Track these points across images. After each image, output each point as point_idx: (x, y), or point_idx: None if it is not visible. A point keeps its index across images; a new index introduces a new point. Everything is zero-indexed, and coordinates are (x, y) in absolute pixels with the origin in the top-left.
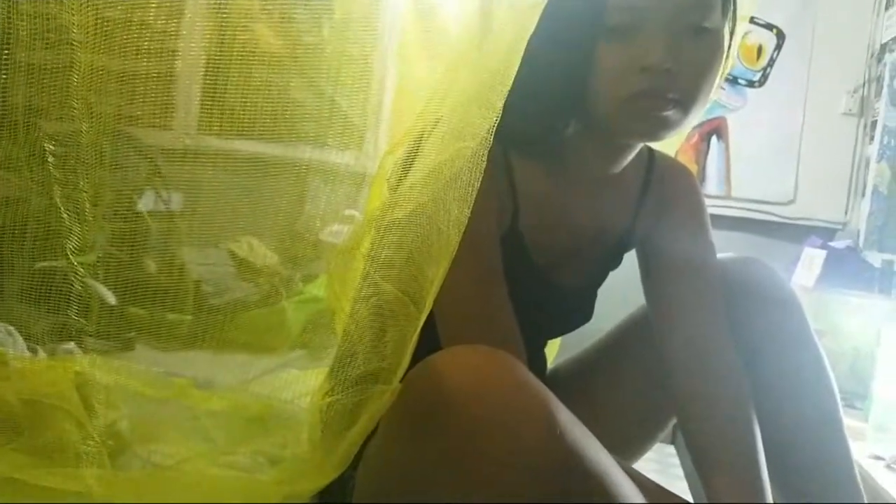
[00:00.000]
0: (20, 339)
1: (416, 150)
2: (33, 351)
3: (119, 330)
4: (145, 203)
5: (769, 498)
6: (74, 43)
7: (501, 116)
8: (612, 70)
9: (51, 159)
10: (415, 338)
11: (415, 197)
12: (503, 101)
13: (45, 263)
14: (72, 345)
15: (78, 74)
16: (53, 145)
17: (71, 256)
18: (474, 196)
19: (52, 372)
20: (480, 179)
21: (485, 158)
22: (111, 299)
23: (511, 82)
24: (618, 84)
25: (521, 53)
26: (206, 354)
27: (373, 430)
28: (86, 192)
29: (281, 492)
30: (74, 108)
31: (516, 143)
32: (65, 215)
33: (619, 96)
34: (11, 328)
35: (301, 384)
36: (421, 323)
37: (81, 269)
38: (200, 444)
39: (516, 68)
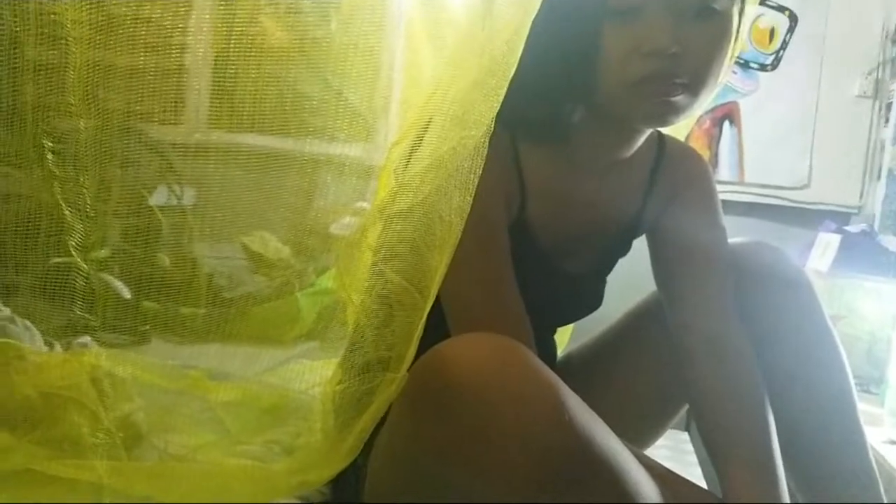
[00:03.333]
0: (37, 334)
1: (421, 139)
2: (50, 345)
3: (134, 324)
4: (158, 198)
5: (784, 487)
6: (69, 38)
7: (508, 103)
8: (617, 54)
9: (50, 156)
10: (421, 325)
11: (417, 186)
12: (505, 87)
13: (59, 259)
14: (87, 339)
15: (74, 70)
16: (52, 142)
17: (74, 252)
18: (476, 183)
19: (68, 365)
20: (482, 167)
21: (486, 145)
22: (126, 294)
23: (514, 67)
24: (624, 68)
25: (524, 37)
26: (220, 347)
27: (383, 418)
28: (87, 188)
29: (293, 481)
30: (72, 104)
31: (523, 130)
32: (66, 211)
33: (626, 81)
34: (29, 323)
35: (314, 375)
36: (426, 311)
37: (85, 265)
38: (215, 434)
39: (519, 52)
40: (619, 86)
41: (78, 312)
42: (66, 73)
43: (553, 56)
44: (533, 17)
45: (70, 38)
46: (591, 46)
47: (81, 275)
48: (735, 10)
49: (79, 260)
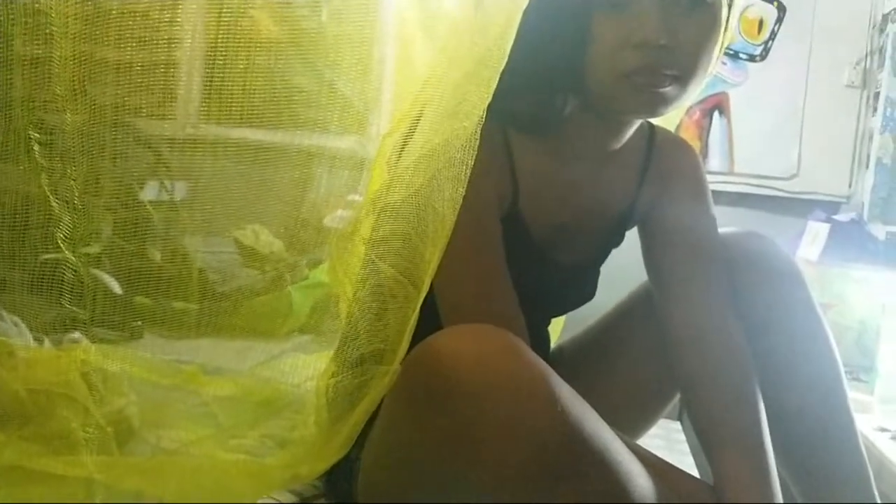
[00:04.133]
0: (26, 330)
1: (414, 130)
2: (39, 341)
3: (126, 319)
4: (149, 193)
5: (774, 473)
6: (54, 30)
7: (500, 94)
8: (607, 45)
9: (37, 147)
10: (414, 318)
11: (410, 178)
12: (497, 78)
13: (50, 255)
14: (78, 334)
15: (60, 63)
16: (39, 134)
17: (62, 245)
18: (468, 175)
19: (59, 361)
20: (474, 158)
21: (478, 137)
22: (117, 289)
23: (505, 58)
24: (613, 60)
25: (515, 28)
26: (213, 341)
27: (376, 411)
28: (75, 180)
29: (286, 475)
30: (58, 95)
31: (515, 122)
32: (54, 204)
33: (615, 72)
34: (17, 319)
35: (308, 368)
36: (419, 303)
37: (73, 258)
38: (208, 428)
39: (510, 43)
40: (608, 77)
41: (67, 306)
42: (52, 65)
43: (544, 47)
44: (524, 7)
45: (55, 30)
46: (582, 37)
47: (70, 267)
48: (724, 1)
49: (67, 253)
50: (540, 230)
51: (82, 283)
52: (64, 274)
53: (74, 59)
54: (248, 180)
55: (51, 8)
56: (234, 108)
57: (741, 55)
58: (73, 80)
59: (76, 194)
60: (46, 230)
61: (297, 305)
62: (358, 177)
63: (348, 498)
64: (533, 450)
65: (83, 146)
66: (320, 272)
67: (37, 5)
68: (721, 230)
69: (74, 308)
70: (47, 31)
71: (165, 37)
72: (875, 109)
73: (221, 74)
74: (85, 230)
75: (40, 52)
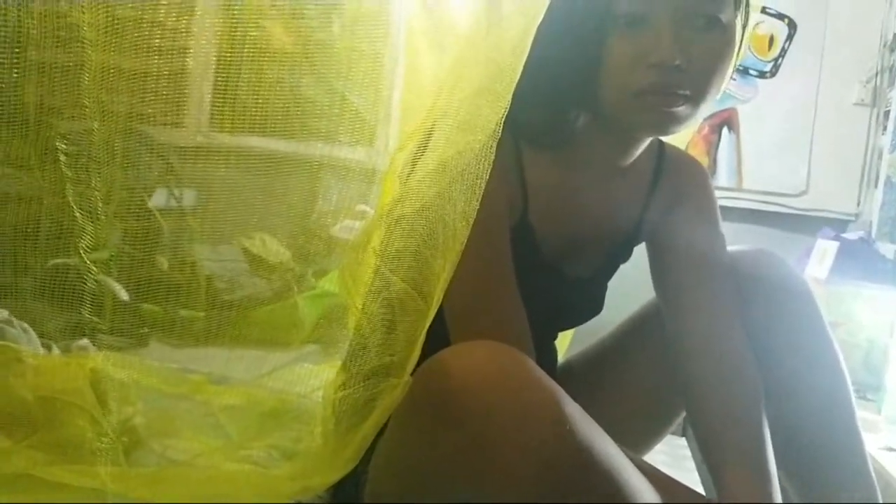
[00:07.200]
0: (35, 337)
1: (426, 144)
2: (48, 348)
3: (133, 326)
4: (158, 200)
5: (777, 490)
6: (85, 41)
7: (512, 108)
8: (621, 62)
9: (63, 158)
10: (424, 332)
11: (423, 191)
12: (511, 92)
13: (58, 260)
14: (86, 341)
15: (89, 73)
16: (65, 144)
17: (83, 255)
18: (482, 189)
19: (67, 368)
20: (488, 172)
21: (493, 151)
22: (124, 296)
23: (519, 72)
24: (627, 78)
25: (530, 44)
26: (220, 350)
27: (384, 424)
28: (98, 190)
29: (295, 486)
30: (86, 107)
31: (527, 135)
32: (77, 214)
33: (628, 90)
34: (26, 325)
35: (314, 378)
36: (430, 317)
37: (94, 268)
38: (215, 439)
39: (524, 59)
40: (621, 94)
41: (87, 315)
42: (82, 75)
43: (557, 62)
44: (538, 23)
45: (86, 41)
46: (596, 53)
47: (91, 277)
48: (739, 22)
49: (88, 262)
50: (549, 243)
51: (102, 291)
52: (78, 281)
53: (103, 71)
54: (256, 189)
55: (83, 19)
56: (244, 118)
57: (751, 71)
58: (101, 92)
59: (99, 204)
60: (68, 240)
61: (304, 315)
62: (367, 188)
63: None
64: (540, 467)
65: (106, 156)
66: (327, 282)
67: (69, 18)
68: (730, 248)
69: (94, 317)
70: (78, 41)
71: (179, 46)
72: (885, 127)
73: (234, 84)
74: (105, 239)
75: (69, 61)
